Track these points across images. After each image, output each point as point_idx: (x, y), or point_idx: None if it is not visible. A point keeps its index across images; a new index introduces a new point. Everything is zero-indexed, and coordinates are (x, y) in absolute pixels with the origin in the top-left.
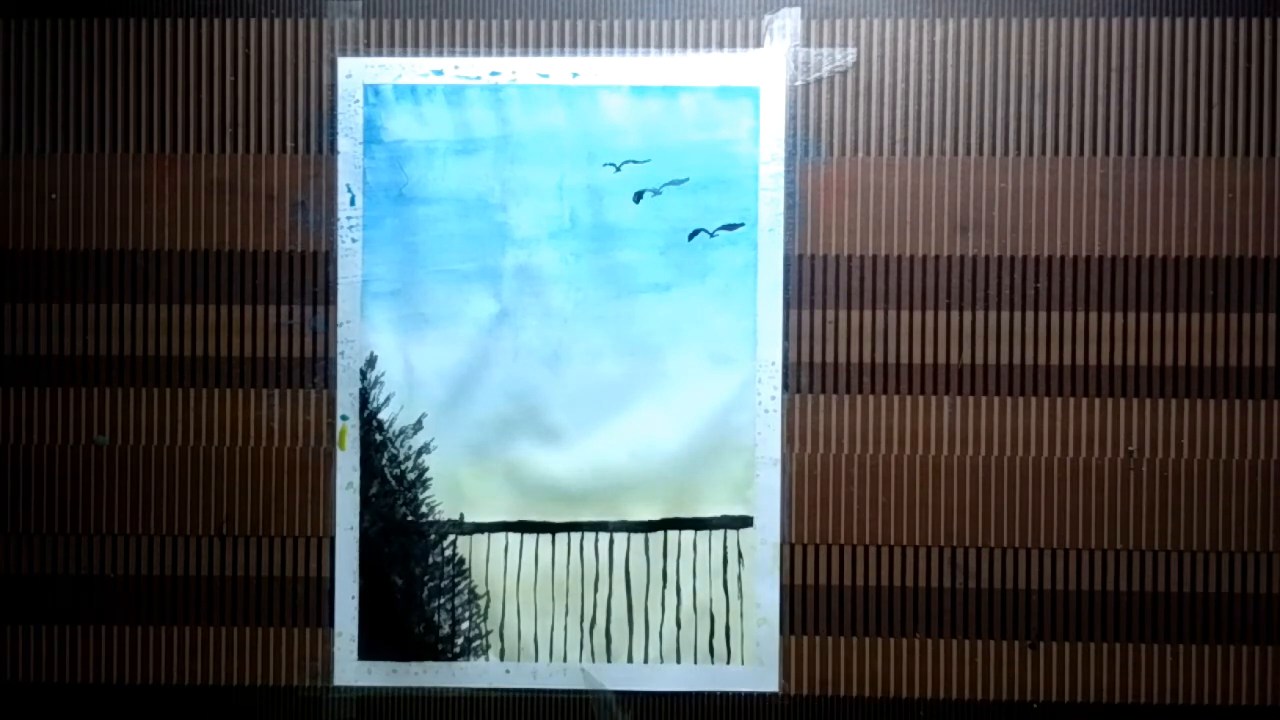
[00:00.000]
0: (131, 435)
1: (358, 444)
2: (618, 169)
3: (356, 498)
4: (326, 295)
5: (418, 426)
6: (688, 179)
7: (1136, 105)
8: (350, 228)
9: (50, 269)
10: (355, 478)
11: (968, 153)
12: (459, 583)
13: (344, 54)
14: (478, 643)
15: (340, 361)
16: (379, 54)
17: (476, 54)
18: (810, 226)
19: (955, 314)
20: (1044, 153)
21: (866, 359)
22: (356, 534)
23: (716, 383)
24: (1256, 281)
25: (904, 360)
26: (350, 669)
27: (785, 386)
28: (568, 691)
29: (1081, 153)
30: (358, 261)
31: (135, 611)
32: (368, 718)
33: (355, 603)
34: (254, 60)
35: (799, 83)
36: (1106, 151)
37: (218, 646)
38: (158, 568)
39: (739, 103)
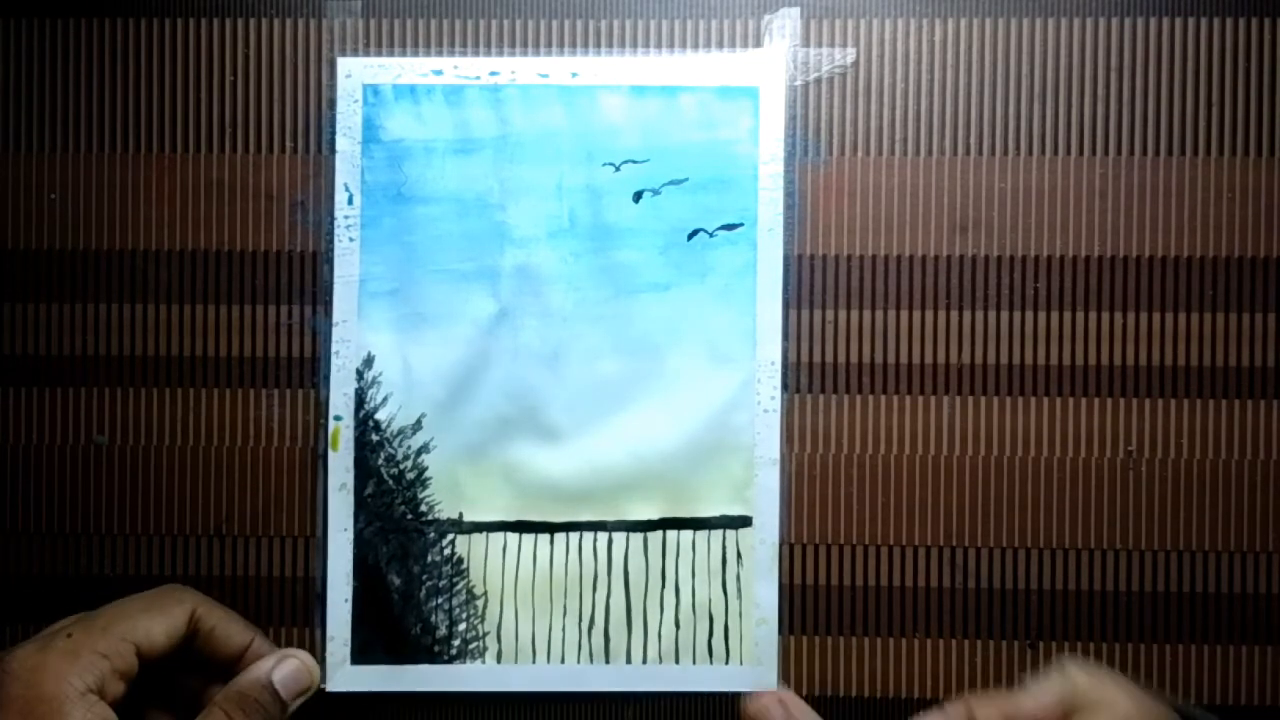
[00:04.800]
0: (131, 435)
1: (351, 444)
2: (617, 169)
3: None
4: (328, 295)
5: (417, 426)
6: (687, 179)
7: (1136, 105)
8: (348, 227)
9: (50, 269)
10: (349, 478)
11: (968, 153)
12: (457, 582)
13: (343, 54)
14: (474, 645)
15: (336, 361)
16: (378, 54)
17: (476, 54)
18: (810, 226)
19: (955, 314)
20: (1044, 153)
21: (866, 359)
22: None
23: (716, 382)
24: (1256, 281)
25: (904, 360)
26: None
27: (785, 386)
28: (565, 694)
29: (1081, 153)
30: (355, 261)
31: None
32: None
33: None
34: (254, 60)
35: (799, 83)
36: (1106, 151)
37: None
38: (158, 568)
39: (739, 103)
